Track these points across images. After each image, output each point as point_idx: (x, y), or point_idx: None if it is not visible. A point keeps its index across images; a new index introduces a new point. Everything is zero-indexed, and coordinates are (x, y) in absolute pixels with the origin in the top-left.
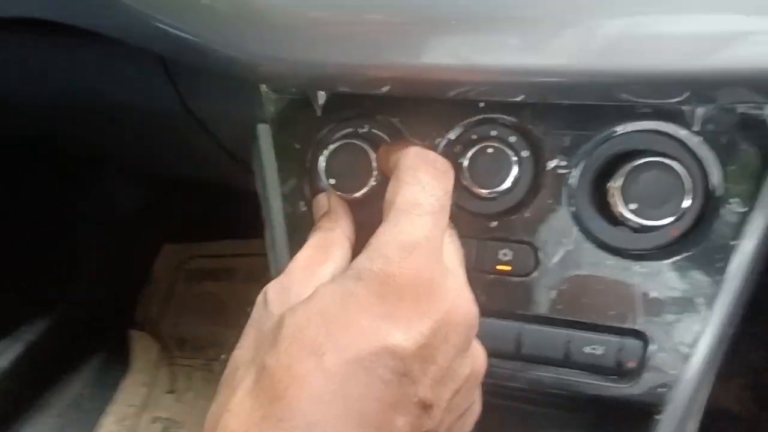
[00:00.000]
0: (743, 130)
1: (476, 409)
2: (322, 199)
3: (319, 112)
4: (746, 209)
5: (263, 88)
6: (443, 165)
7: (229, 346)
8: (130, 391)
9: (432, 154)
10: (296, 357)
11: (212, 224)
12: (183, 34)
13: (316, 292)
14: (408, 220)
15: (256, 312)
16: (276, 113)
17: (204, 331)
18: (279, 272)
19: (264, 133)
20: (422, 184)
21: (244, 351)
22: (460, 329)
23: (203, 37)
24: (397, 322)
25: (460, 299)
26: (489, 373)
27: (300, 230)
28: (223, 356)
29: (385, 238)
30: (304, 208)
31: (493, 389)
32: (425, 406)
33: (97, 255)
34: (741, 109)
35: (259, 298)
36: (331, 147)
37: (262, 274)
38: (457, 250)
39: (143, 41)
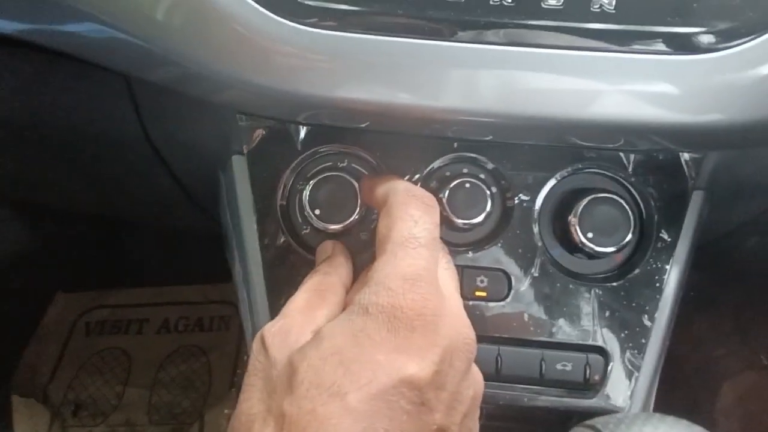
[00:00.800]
0: (666, 172)
1: (477, 429)
2: (326, 246)
3: (299, 146)
4: (672, 238)
5: (240, 119)
6: (430, 200)
7: (141, 409)
8: None
9: (420, 190)
10: (318, 400)
11: (120, 269)
12: (153, 48)
13: (324, 332)
14: (406, 253)
15: (257, 360)
16: (253, 145)
17: (107, 393)
18: (253, 309)
19: (239, 164)
20: (414, 218)
21: (254, 402)
22: (462, 354)
23: (171, 49)
24: (411, 354)
25: (460, 325)
26: None
27: (277, 264)
28: (226, 411)
29: (386, 271)
30: (282, 240)
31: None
32: (442, 431)
33: None
34: (662, 155)
35: (256, 345)
36: (316, 178)
37: (182, 324)
38: (452, 277)
39: (114, 60)
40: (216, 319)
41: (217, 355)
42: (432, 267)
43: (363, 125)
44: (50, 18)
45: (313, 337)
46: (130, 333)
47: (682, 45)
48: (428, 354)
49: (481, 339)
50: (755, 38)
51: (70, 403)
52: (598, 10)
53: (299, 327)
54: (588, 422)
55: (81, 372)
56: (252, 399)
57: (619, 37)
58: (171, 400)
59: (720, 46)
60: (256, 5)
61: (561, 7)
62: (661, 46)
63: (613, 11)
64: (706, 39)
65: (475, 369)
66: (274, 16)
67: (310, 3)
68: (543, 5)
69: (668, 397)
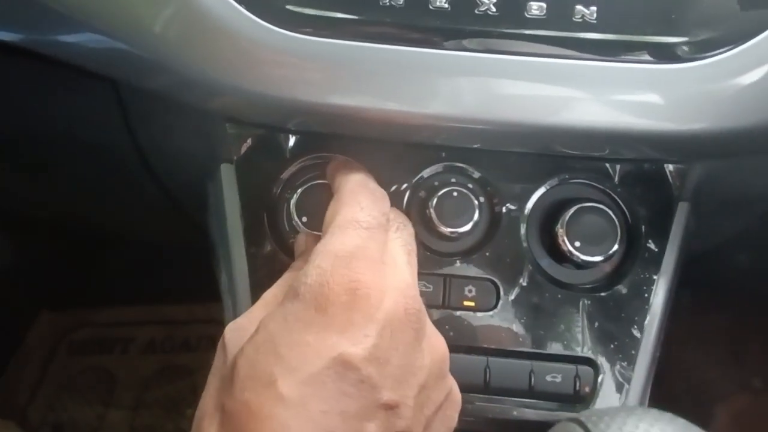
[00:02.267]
0: (651, 183)
1: (455, 397)
2: (300, 239)
3: (287, 155)
4: (659, 249)
5: (228, 127)
6: (381, 193)
7: (123, 431)
8: None
9: (372, 183)
10: (252, 392)
11: (106, 288)
12: (151, 57)
13: (261, 323)
14: (344, 234)
15: (217, 358)
16: (241, 153)
17: (88, 415)
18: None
19: (227, 172)
20: (361, 205)
21: (207, 400)
22: (404, 325)
23: (166, 57)
24: (343, 331)
25: (400, 296)
26: (461, 410)
27: (263, 272)
28: (189, 410)
29: (319, 250)
30: (269, 248)
31: (463, 426)
32: (391, 407)
33: None
34: (647, 166)
35: (219, 344)
36: (304, 186)
37: (168, 344)
38: (404, 249)
39: (110, 68)
40: (203, 338)
41: (203, 376)
42: (370, 246)
43: (351, 132)
44: (49, 27)
45: (254, 331)
46: (114, 353)
47: (663, 54)
48: (362, 329)
49: (469, 350)
50: (735, 47)
51: (49, 425)
52: (580, 20)
53: (253, 323)
54: (573, 416)
55: (62, 392)
56: (206, 397)
57: (601, 46)
58: (154, 423)
59: (701, 55)
60: (251, 15)
61: (544, 17)
62: (643, 56)
63: (595, 21)
64: (687, 48)
65: (432, 335)
66: (267, 25)
67: (301, 11)
68: (527, 15)
69: None
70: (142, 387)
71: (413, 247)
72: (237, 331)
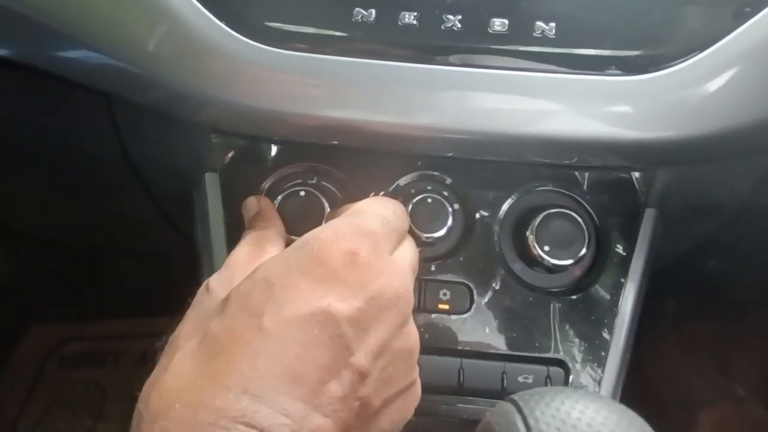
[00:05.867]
0: (618, 190)
1: (416, 390)
2: (251, 202)
3: (270, 164)
4: (628, 253)
5: (214, 137)
6: (401, 209)
7: None
8: None
9: (392, 201)
10: (240, 320)
11: (98, 300)
12: (138, 71)
13: (261, 264)
14: (369, 219)
15: (198, 298)
16: (225, 162)
17: (77, 429)
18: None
19: (212, 181)
20: (392, 210)
21: (185, 327)
22: (393, 306)
23: (158, 73)
24: (335, 287)
25: (396, 280)
26: (432, 411)
27: None
28: (158, 343)
29: (342, 220)
30: None
31: (435, 427)
32: (360, 373)
33: None
34: (614, 173)
35: (201, 289)
36: (285, 193)
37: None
38: (412, 256)
39: (104, 83)
40: None
41: None
42: (384, 239)
43: (328, 141)
44: (45, 43)
45: (252, 270)
46: (106, 366)
47: (622, 66)
48: (353, 291)
49: (444, 352)
50: (688, 59)
51: None
52: (540, 35)
53: (242, 273)
54: (511, 396)
55: (52, 406)
56: (184, 325)
57: (559, 59)
58: None
59: (657, 67)
60: (232, 31)
61: (506, 32)
62: (601, 68)
63: (554, 36)
64: (640, 61)
65: (411, 327)
66: (247, 40)
67: (279, 27)
68: (490, 30)
69: None
70: (132, 400)
71: (416, 267)
72: (224, 281)
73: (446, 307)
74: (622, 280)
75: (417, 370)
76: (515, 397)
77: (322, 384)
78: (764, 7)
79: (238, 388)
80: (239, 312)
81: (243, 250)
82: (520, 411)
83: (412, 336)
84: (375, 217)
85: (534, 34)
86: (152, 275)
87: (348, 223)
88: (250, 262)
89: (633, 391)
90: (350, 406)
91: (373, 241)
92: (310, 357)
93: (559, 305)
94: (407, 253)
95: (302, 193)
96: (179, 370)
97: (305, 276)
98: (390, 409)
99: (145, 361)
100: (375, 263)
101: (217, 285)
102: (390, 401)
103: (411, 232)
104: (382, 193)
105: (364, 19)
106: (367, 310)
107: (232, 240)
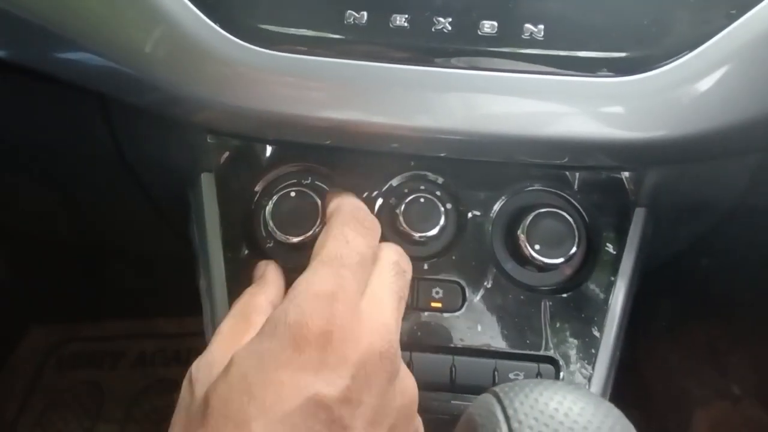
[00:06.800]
0: (609, 190)
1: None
2: (260, 266)
3: (264, 164)
4: (618, 252)
5: (209, 138)
6: (371, 223)
7: None
8: None
9: (363, 213)
10: (227, 431)
11: (96, 301)
12: (142, 76)
13: (234, 358)
14: (325, 272)
15: (183, 397)
16: (221, 163)
17: (76, 429)
18: (215, 323)
19: (208, 181)
20: (347, 239)
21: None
22: (379, 368)
23: (154, 75)
24: (317, 372)
25: (378, 339)
26: (425, 407)
27: (240, 277)
28: None
29: (300, 288)
30: (245, 254)
31: (427, 423)
32: None
33: None
34: (605, 173)
35: (185, 381)
36: (280, 193)
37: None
38: (396, 293)
39: (101, 85)
40: (194, 351)
41: None
42: (350, 286)
43: (320, 141)
44: (42, 45)
45: (225, 366)
46: (104, 367)
47: (610, 67)
48: (336, 370)
49: (436, 349)
50: (675, 60)
51: None
52: (529, 37)
53: (222, 358)
54: (492, 388)
55: (51, 407)
56: (173, 430)
57: (548, 61)
58: None
59: (646, 68)
60: (226, 33)
61: (496, 34)
62: (587, 69)
63: (542, 38)
64: (630, 62)
65: (405, 377)
66: (241, 42)
67: (272, 29)
68: (479, 33)
69: (639, 426)
70: (131, 401)
71: (405, 294)
72: (204, 367)
73: (439, 305)
74: (613, 278)
75: (417, 417)
76: (496, 389)
77: None
78: (753, 6)
79: None
80: (223, 420)
81: (228, 323)
82: (500, 402)
83: (407, 389)
84: (335, 252)
85: (523, 36)
86: (149, 276)
87: (308, 294)
88: (231, 339)
89: (628, 392)
90: None
91: (344, 298)
92: None
93: (550, 303)
94: (385, 277)
95: (296, 194)
96: None
97: (284, 368)
98: None
99: (143, 362)
100: (351, 330)
101: (198, 376)
102: None
103: (403, 231)
104: (375, 193)
105: (356, 22)
106: (354, 384)
107: (228, 240)
